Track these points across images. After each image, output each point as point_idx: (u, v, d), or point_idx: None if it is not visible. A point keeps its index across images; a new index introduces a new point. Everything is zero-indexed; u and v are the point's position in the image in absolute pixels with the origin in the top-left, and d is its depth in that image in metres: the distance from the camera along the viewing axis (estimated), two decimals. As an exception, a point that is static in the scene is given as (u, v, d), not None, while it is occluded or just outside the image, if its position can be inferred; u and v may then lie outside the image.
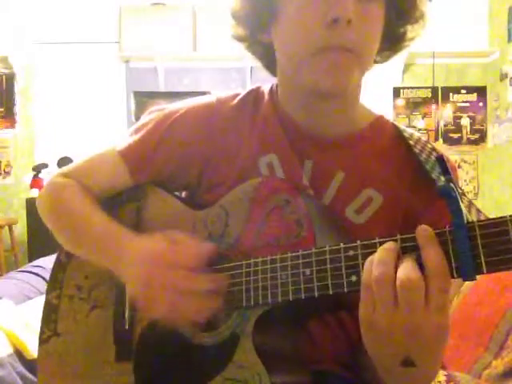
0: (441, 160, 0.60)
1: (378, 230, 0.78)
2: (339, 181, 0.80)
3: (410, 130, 0.86)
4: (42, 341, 0.90)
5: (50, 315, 0.90)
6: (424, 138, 0.85)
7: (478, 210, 0.70)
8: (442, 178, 0.74)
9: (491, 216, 0.64)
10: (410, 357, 0.58)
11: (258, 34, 0.83)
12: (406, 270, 0.55)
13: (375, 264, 0.56)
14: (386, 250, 0.57)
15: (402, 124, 0.90)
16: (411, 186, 0.80)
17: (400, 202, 0.80)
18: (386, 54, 0.85)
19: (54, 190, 0.90)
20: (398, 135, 0.84)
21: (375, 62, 0.83)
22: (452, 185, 0.56)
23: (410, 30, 0.82)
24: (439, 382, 1.40)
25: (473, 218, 0.66)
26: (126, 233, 0.80)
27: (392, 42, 0.82)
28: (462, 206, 0.55)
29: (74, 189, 0.87)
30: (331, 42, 0.72)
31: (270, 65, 0.86)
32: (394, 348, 0.58)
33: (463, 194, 0.72)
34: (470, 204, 0.70)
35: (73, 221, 0.86)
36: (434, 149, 0.81)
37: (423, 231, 0.56)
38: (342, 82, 0.74)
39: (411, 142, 0.81)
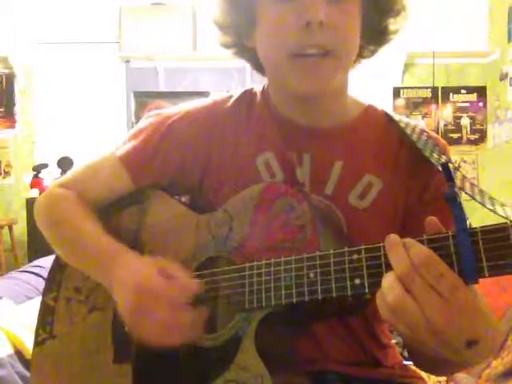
0: (445, 167, 0.61)
1: (382, 213, 0.81)
2: (339, 170, 0.82)
3: (398, 116, 0.88)
4: (38, 343, 0.89)
5: (46, 317, 0.89)
6: (412, 122, 0.87)
7: (472, 184, 0.72)
8: (436, 156, 0.77)
9: (489, 214, 0.65)
10: (471, 338, 0.57)
11: (243, 40, 0.85)
12: (417, 253, 0.55)
13: (394, 265, 0.57)
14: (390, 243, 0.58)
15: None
16: (408, 167, 0.82)
17: (399, 185, 0.82)
18: (372, 48, 0.86)
19: (52, 202, 0.90)
20: (389, 120, 0.86)
21: (362, 57, 0.85)
22: (456, 190, 0.57)
23: (393, 23, 0.84)
24: (439, 381, 1.40)
25: (468, 191, 0.69)
26: (119, 252, 0.80)
27: (375, 36, 0.84)
28: (465, 211, 0.56)
29: (71, 201, 0.87)
30: (307, 43, 0.74)
31: (259, 67, 0.88)
32: (448, 344, 0.57)
33: (456, 169, 0.74)
34: (464, 178, 0.73)
35: (68, 234, 0.87)
36: (423, 130, 0.84)
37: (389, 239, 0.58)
38: (322, 85, 0.77)
39: (402, 125, 0.84)
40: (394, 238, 0.58)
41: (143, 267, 0.75)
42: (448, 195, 0.57)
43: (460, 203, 0.56)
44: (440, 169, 0.73)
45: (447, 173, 0.60)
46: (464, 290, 0.55)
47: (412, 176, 0.82)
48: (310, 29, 0.73)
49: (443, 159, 0.76)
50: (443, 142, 0.85)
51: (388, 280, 0.57)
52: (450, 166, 0.72)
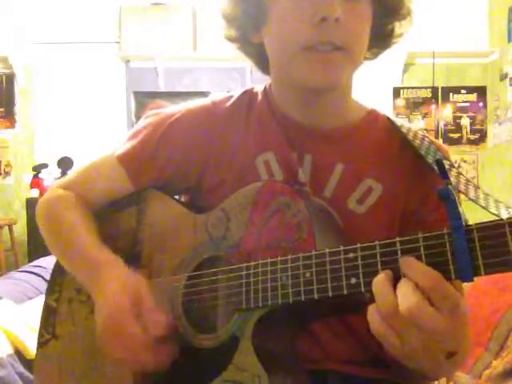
0: (439, 163, 0.61)
1: (380, 218, 0.80)
2: (339, 173, 0.82)
3: (400, 120, 0.88)
4: (41, 344, 0.90)
5: (49, 318, 0.90)
6: (414, 127, 0.87)
7: (476, 187, 0.71)
8: None
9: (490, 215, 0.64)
10: (451, 351, 0.59)
11: (249, 34, 0.84)
12: (405, 301, 0.55)
13: (376, 300, 0.57)
14: (378, 284, 0.58)
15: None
16: (409, 173, 0.82)
17: (399, 191, 0.82)
18: (375, 50, 0.86)
19: (51, 204, 0.90)
20: (392, 125, 0.86)
21: (365, 58, 0.85)
22: (451, 187, 0.57)
23: (398, 27, 0.84)
24: (439, 381, 1.40)
25: (471, 195, 0.68)
26: (103, 264, 0.79)
27: (380, 38, 0.84)
28: (461, 209, 0.56)
29: (69, 203, 0.87)
30: (320, 39, 0.74)
31: (262, 64, 0.87)
32: (434, 357, 0.59)
33: (460, 173, 0.74)
34: (467, 182, 0.72)
35: (62, 239, 0.87)
36: (425, 135, 0.83)
37: (406, 261, 0.57)
38: (332, 78, 0.76)
39: (404, 130, 0.84)
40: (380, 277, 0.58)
41: (119, 294, 0.74)
42: (441, 192, 0.56)
43: (454, 200, 0.56)
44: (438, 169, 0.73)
45: (441, 170, 0.59)
46: (463, 306, 0.56)
47: (414, 181, 0.82)
48: (326, 24, 0.72)
49: (447, 164, 0.75)
50: (445, 148, 0.84)
51: (404, 290, 0.56)
52: (454, 170, 0.72)
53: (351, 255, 0.61)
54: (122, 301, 0.72)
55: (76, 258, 0.83)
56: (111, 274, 0.77)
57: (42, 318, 0.91)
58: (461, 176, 0.73)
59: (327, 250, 0.64)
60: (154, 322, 0.71)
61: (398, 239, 0.59)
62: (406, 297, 0.55)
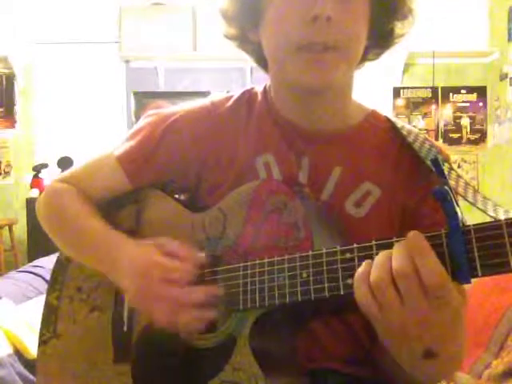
0: (436, 162, 0.60)
1: (378, 222, 0.80)
2: (337, 176, 0.81)
3: (401, 122, 0.87)
4: (42, 342, 0.90)
5: (50, 316, 0.90)
6: (415, 129, 0.86)
7: (467, 183, 0.71)
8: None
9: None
10: (430, 349, 0.58)
11: (247, 32, 0.84)
12: (398, 260, 0.55)
13: (372, 270, 0.57)
14: (380, 256, 0.58)
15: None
16: (408, 176, 0.81)
17: (398, 195, 0.81)
18: (377, 51, 0.86)
19: (53, 196, 0.90)
20: (392, 127, 0.85)
21: (367, 59, 0.85)
22: (447, 188, 0.56)
23: (399, 27, 0.83)
24: (439, 381, 1.40)
25: (460, 191, 0.68)
26: (120, 240, 0.80)
27: (381, 38, 0.83)
28: (458, 209, 0.55)
29: (72, 194, 0.88)
30: (312, 39, 0.73)
31: (262, 62, 0.87)
32: (411, 343, 0.58)
33: (459, 176, 0.73)
34: (466, 185, 0.72)
35: (70, 227, 0.87)
36: (426, 138, 0.83)
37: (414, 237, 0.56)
38: (325, 78, 0.76)
39: (404, 133, 0.83)
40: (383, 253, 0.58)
41: (146, 252, 0.75)
42: (436, 192, 0.56)
43: (451, 200, 0.55)
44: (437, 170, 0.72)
45: (438, 169, 0.59)
46: (454, 307, 0.56)
47: (413, 184, 0.81)
48: (318, 24, 0.72)
49: (447, 167, 0.75)
50: (445, 151, 0.83)
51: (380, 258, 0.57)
52: (453, 172, 0.72)
53: (348, 255, 0.61)
54: (152, 250, 0.74)
55: (90, 242, 0.83)
56: (132, 245, 0.78)
57: (43, 317, 0.91)
58: (460, 179, 0.73)
59: (324, 251, 0.64)
60: (189, 258, 0.72)
61: (394, 239, 0.59)
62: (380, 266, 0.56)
